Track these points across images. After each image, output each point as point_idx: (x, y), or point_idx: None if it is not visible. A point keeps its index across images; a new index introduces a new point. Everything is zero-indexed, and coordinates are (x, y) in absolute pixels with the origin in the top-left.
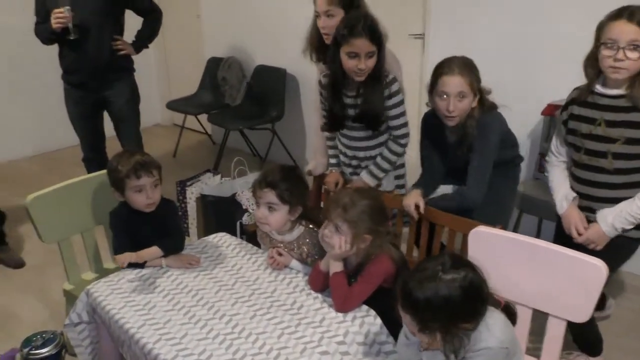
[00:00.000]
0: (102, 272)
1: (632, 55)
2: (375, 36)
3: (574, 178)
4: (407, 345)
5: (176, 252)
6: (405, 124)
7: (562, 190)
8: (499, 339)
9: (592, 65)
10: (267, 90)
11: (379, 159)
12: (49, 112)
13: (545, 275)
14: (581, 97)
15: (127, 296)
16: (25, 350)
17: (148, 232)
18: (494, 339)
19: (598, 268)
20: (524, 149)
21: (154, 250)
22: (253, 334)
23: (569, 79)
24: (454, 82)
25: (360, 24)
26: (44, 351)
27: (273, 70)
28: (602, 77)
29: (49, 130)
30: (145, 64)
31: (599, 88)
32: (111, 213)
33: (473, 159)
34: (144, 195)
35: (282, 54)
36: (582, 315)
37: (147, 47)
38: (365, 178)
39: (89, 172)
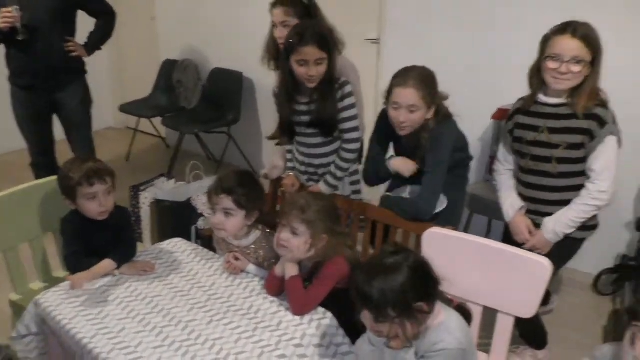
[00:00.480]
0: (52, 282)
1: (575, 68)
2: (324, 43)
3: (522, 183)
4: (372, 351)
5: (129, 261)
6: (356, 128)
7: (509, 199)
8: (457, 339)
9: (537, 75)
10: (224, 94)
11: (332, 168)
12: None
13: (494, 273)
14: (525, 107)
15: (79, 305)
16: None
17: (100, 240)
18: (453, 339)
19: (543, 265)
20: (475, 152)
21: (107, 264)
22: (210, 339)
23: (517, 85)
24: (406, 95)
25: (308, 32)
26: None
27: (229, 74)
28: (545, 87)
29: None
30: (97, 66)
31: (541, 97)
32: (62, 220)
33: (427, 172)
34: (97, 203)
35: (238, 57)
36: (528, 310)
37: (99, 49)
38: (322, 188)
39: (37, 178)
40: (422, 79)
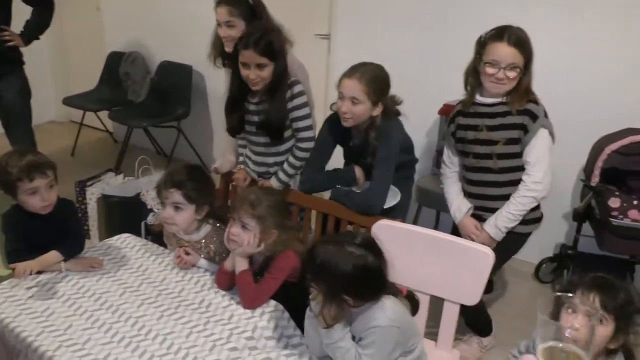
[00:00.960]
0: None
1: (511, 74)
2: (267, 50)
3: (466, 181)
4: (309, 317)
5: (76, 254)
6: (309, 127)
7: (456, 202)
8: (389, 317)
9: (473, 75)
10: (173, 87)
11: (285, 166)
12: None
13: (441, 263)
14: (465, 109)
15: (23, 303)
16: None
17: (45, 235)
18: (384, 318)
19: (487, 255)
20: (422, 145)
21: (54, 255)
22: (160, 334)
23: (461, 81)
24: (349, 85)
25: (252, 37)
26: None
27: (178, 67)
28: (481, 88)
29: None
30: (37, 57)
31: (478, 98)
32: (3, 215)
33: (376, 169)
34: (39, 198)
35: (187, 50)
36: (472, 298)
37: (37, 38)
38: (273, 184)
39: None
40: (371, 75)
